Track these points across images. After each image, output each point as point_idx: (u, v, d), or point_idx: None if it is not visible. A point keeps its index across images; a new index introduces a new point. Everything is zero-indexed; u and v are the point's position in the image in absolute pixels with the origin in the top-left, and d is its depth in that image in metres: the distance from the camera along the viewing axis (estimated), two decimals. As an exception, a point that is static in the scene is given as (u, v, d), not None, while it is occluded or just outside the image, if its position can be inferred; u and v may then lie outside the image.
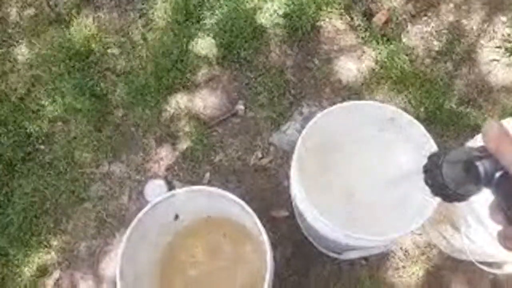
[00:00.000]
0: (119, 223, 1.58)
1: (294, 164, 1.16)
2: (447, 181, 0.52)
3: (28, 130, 1.69)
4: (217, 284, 1.33)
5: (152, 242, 1.23)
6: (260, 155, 1.62)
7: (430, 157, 0.56)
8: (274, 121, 1.64)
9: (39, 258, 1.54)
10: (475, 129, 1.51)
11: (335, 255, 1.42)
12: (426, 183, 0.56)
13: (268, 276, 1.04)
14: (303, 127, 1.63)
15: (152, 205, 1.13)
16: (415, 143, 1.14)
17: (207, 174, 1.61)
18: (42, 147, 1.68)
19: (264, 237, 1.07)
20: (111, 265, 1.53)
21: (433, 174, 0.54)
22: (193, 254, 1.36)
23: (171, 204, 1.18)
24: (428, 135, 1.11)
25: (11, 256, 1.53)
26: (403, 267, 1.43)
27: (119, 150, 1.66)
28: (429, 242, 1.45)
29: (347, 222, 1.07)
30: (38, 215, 1.58)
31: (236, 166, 1.62)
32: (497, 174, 0.47)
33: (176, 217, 1.29)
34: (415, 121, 1.12)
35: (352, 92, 1.64)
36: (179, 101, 1.70)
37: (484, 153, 0.48)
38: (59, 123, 1.71)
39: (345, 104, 1.16)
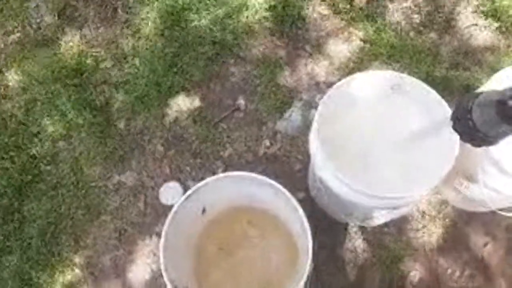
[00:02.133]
0: (139, 231, 1.58)
1: (313, 135, 1.21)
2: (478, 125, 0.52)
3: (31, 153, 1.67)
4: (252, 271, 1.35)
5: (185, 235, 1.24)
6: (268, 144, 1.66)
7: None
8: (277, 109, 1.69)
9: (64, 278, 1.52)
10: (467, 89, 1.60)
11: (359, 223, 1.47)
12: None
13: (310, 253, 1.07)
14: (304, 111, 1.70)
15: (186, 197, 1.15)
16: (423, 104, 1.21)
17: (220, 170, 1.64)
18: (48, 168, 1.66)
19: (300, 211, 1.11)
20: (138, 273, 1.52)
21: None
22: (222, 246, 1.37)
23: (202, 194, 1.20)
24: (434, 93, 1.18)
25: (35, 280, 1.51)
26: (423, 227, 1.49)
27: (128, 159, 1.67)
28: (443, 200, 1.51)
29: (369, 185, 1.11)
30: (56, 235, 1.56)
31: (247, 158, 1.65)
32: None
33: (204, 210, 1.31)
34: (420, 82, 1.19)
35: (346, 72, 1.70)
36: (180, 103, 1.72)
37: None
38: (62, 142, 1.70)
39: (355, 76, 1.22)
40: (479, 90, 1.23)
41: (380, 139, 1.25)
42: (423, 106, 1.21)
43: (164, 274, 1.07)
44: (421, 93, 1.20)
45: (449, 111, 1.18)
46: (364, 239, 1.51)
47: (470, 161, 1.26)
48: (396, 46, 1.70)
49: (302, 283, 1.07)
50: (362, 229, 1.52)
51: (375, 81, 1.25)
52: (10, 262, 1.51)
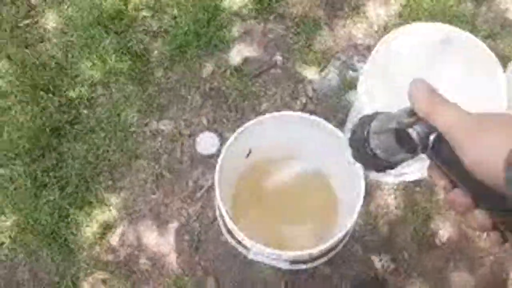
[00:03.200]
0: (175, 177, 1.60)
1: (360, 88, 1.24)
2: (379, 153, 0.49)
3: (69, 95, 1.68)
4: (289, 211, 1.38)
5: (229, 174, 1.28)
6: (304, 101, 1.69)
7: (353, 132, 0.51)
8: (313, 68, 1.71)
9: (100, 217, 1.55)
10: (503, 59, 1.64)
11: (392, 179, 1.52)
12: (355, 158, 0.52)
13: (357, 210, 1.11)
14: (342, 71, 1.73)
15: (238, 133, 1.18)
16: (472, 60, 1.24)
17: (256, 123, 1.66)
18: (86, 111, 1.68)
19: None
20: (174, 214, 1.55)
21: (361, 149, 0.50)
22: (262, 187, 1.41)
23: (251, 135, 1.22)
24: (486, 48, 1.22)
25: (73, 217, 1.53)
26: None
27: (166, 107, 1.68)
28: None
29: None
30: (93, 175, 1.58)
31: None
32: (432, 137, 0.44)
33: (249, 153, 1.34)
34: (472, 36, 1.22)
35: (384, 35, 1.72)
36: (218, 56, 1.73)
37: (414, 117, 0.45)
38: (100, 87, 1.71)
39: (405, 27, 1.25)
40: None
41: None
42: (472, 62, 1.25)
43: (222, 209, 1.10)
44: (471, 48, 1.24)
45: (501, 69, 1.23)
46: (396, 197, 1.56)
47: None
48: (435, 12, 1.72)
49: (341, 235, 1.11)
50: (395, 187, 1.56)
51: (424, 33, 1.28)
52: (48, 198, 1.53)
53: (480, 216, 0.41)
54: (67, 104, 1.67)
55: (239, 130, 1.21)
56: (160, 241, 1.54)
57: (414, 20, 1.73)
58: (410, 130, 0.44)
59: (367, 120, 0.50)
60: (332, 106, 1.68)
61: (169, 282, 1.49)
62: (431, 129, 0.43)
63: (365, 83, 1.22)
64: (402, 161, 0.49)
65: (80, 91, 1.69)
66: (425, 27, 1.27)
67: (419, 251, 1.51)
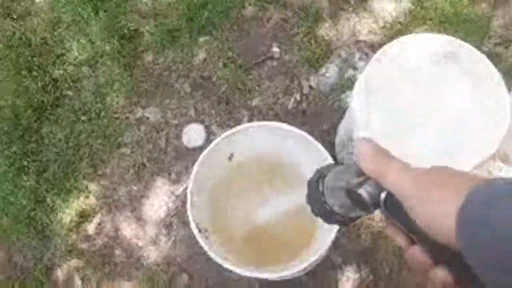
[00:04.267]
0: (158, 168, 1.56)
1: (356, 94, 1.16)
2: (336, 209, 0.48)
3: (54, 75, 1.61)
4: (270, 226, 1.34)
5: (210, 180, 1.22)
6: (298, 98, 1.61)
7: (310, 185, 0.50)
8: (312, 63, 1.62)
9: (78, 204, 1.52)
10: (509, 71, 1.53)
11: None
12: (313, 212, 0.50)
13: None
14: (341, 69, 1.63)
15: (221, 138, 1.12)
16: (476, 78, 1.15)
17: (245, 119, 1.59)
18: (70, 92, 1.62)
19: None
20: (153, 209, 1.52)
21: (318, 204, 0.49)
22: (242, 192, 1.36)
23: (232, 140, 1.16)
24: (493, 69, 1.12)
25: (50, 202, 1.50)
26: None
27: (153, 94, 1.62)
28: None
29: (408, 151, 1.08)
30: (73, 161, 1.54)
31: (274, 110, 1.60)
32: (382, 196, 0.43)
33: (231, 156, 1.28)
34: (480, 54, 1.13)
35: (391, 33, 1.62)
36: (211, 43, 1.64)
37: (362, 176, 0.44)
38: (86, 68, 1.64)
39: (407, 37, 1.16)
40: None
41: (426, 108, 1.20)
42: (476, 80, 1.15)
43: (190, 215, 1.06)
44: (477, 66, 1.14)
45: (504, 89, 1.14)
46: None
47: (506, 142, 1.22)
48: (447, 12, 1.60)
49: (327, 245, 1.06)
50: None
51: (428, 45, 1.19)
52: (26, 183, 1.50)
53: (440, 273, 0.40)
54: (50, 84, 1.61)
55: (222, 135, 1.15)
56: (137, 233, 1.51)
57: (424, 20, 1.61)
58: (360, 190, 0.44)
59: (322, 174, 0.50)
60: (327, 106, 1.60)
61: (143, 275, 1.47)
62: (381, 188, 0.43)
63: (359, 96, 1.13)
64: (358, 217, 0.49)
65: (66, 70, 1.63)
66: (429, 38, 1.17)
67: (400, 266, 1.47)
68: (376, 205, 0.44)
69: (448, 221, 0.36)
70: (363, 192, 0.44)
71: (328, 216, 0.49)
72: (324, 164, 0.52)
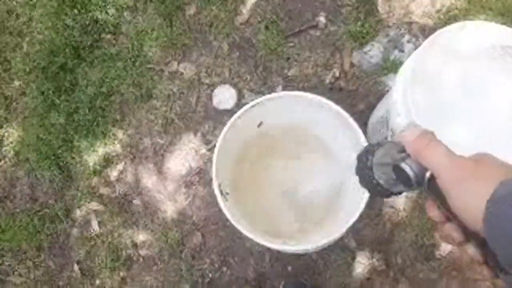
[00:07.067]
0: (185, 125, 1.55)
1: (399, 78, 1.10)
2: (382, 182, 0.52)
3: (95, 16, 1.59)
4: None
5: (236, 144, 1.20)
6: (337, 74, 1.55)
7: (359, 160, 0.55)
8: (357, 39, 1.54)
9: (103, 149, 1.53)
10: None
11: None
12: (361, 184, 0.55)
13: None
14: (387, 49, 1.55)
15: (255, 103, 1.09)
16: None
17: (279, 88, 1.55)
18: (108, 36, 1.60)
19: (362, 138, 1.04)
20: (176, 165, 1.52)
21: (367, 177, 0.53)
22: (268, 157, 1.33)
23: (265, 107, 1.13)
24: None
25: (76, 143, 1.52)
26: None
27: (190, 49, 1.58)
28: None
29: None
30: (104, 106, 1.55)
31: (311, 82, 1.55)
32: (427, 174, 0.46)
33: (260, 124, 1.25)
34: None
35: (446, 18, 1.52)
36: (256, 4, 1.58)
37: (405, 152, 0.48)
38: (127, 13, 1.61)
39: (463, 23, 1.07)
40: None
41: (471, 106, 1.13)
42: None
43: (214, 176, 1.05)
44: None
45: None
46: (406, 197, 1.46)
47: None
48: (510, 3, 1.49)
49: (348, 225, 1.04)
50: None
51: (485, 35, 1.10)
52: (57, 121, 1.52)
53: (470, 250, 0.44)
54: (91, 25, 1.59)
55: (257, 100, 1.12)
56: (157, 187, 1.52)
57: (484, 9, 1.50)
58: (403, 165, 0.47)
59: (370, 149, 0.53)
60: (366, 86, 1.53)
61: (158, 228, 1.49)
62: (426, 167, 0.46)
63: (403, 82, 1.07)
64: (401, 192, 0.52)
65: (107, 13, 1.60)
66: (487, 27, 1.08)
67: (415, 258, 1.44)
68: (420, 183, 0.47)
69: (477, 210, 0.39)
70: (407, 168, 0.47)
71: (374, 188, 0.53)
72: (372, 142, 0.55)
